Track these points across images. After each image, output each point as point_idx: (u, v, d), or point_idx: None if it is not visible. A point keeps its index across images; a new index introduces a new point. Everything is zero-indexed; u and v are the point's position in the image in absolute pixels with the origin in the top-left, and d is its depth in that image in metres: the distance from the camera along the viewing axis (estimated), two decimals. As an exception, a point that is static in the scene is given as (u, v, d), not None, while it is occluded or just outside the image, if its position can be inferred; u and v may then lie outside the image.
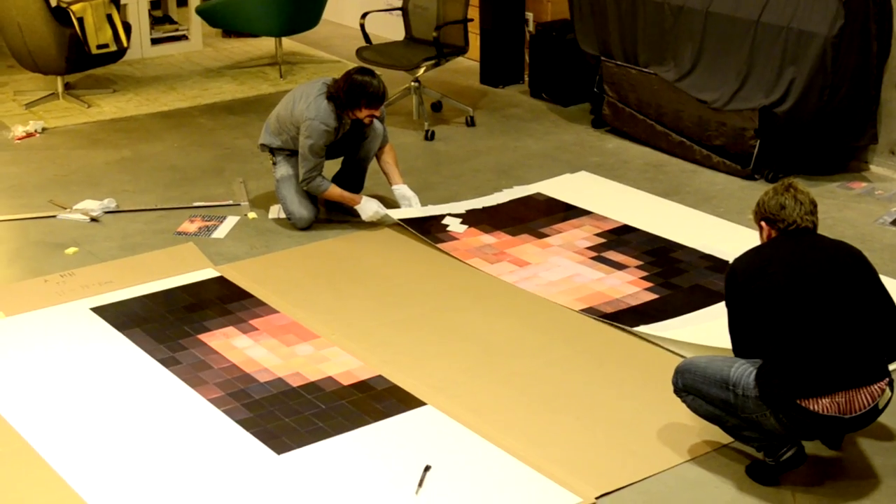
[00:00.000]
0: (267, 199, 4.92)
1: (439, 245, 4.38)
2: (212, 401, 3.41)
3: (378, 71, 4.73)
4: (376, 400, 3.41)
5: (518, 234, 4.52)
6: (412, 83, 5.94)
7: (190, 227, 4.72)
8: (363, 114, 4.47)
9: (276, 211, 4.84)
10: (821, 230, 3.04)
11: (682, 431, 3.19)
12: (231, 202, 4.95)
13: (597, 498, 2.96)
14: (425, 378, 3.53)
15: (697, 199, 4.94)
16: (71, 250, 4.49)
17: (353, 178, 4.79)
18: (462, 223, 4.58)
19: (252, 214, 4.80)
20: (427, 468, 3.06)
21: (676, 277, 4.12)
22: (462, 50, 5.90)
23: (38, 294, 4.10)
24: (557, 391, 3.45)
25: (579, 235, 4.51)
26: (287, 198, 4.66)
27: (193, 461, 3.13)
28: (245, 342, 3.76)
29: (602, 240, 4.46)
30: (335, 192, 4.61)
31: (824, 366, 2.81)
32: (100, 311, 3.98)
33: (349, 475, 3.06)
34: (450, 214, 4.65)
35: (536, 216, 4.72)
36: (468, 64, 6.81)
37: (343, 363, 3.62)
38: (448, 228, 4.52)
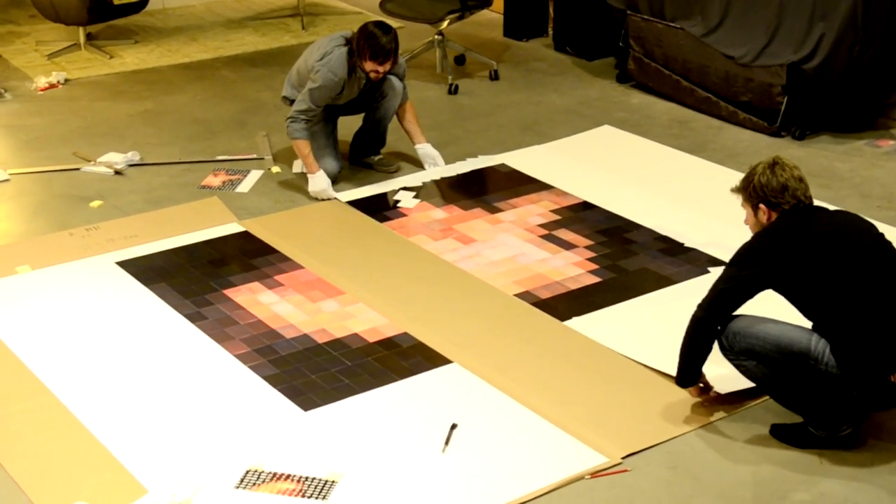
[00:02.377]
0: (290, 153, 4.88)
1: (385, 224, 4.21)
2: (238, 356, 3.41)
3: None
4: (402, 357, 3.40)
5: (470, 209, 4.32)
6: (436, 36, 5.86)
7: (214, 181, 4.70)
8: (368, 67, 4.34)
9: (299, 165, 4.80)
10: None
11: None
12: (255, 156, 4.92)
13: (623, 458, 2.95)
14: (451, 336, 3.51)
15: (723, 155, 4.89)
16: (95, 203, 4.48)
17: (372, 137, 4.74)
18: (415, 197, 4.43)
19: (276, 168, 4.77)
20: (453, 426, 3.06)
21: (624, 259, 3.92)
22: (486, 3, 5.81)
23: (63, 248, 4.09)
24: (582, 350, 3.43)
25: (534, 212, 4.30)
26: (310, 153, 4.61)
27: (220, 417, 3.13)
28: (271, 298, 3.76)
29: (557, 217, 4.25)
30: (303, 149, 4.42)
31: None
32: (125, 265, 3.98)
33: (375, 433, 3.06)
34: (404, 189, 4.49)
35: (494, 189, 4.56)
36: (492, 17, 6.71)
37: (368, 320, 3.61)
38: (399, 204, 4.37)
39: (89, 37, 6.40)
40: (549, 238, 4.11)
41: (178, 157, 4.93)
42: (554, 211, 4.33)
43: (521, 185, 4.58)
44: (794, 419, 3.01)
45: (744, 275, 2.88)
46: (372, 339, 3.51)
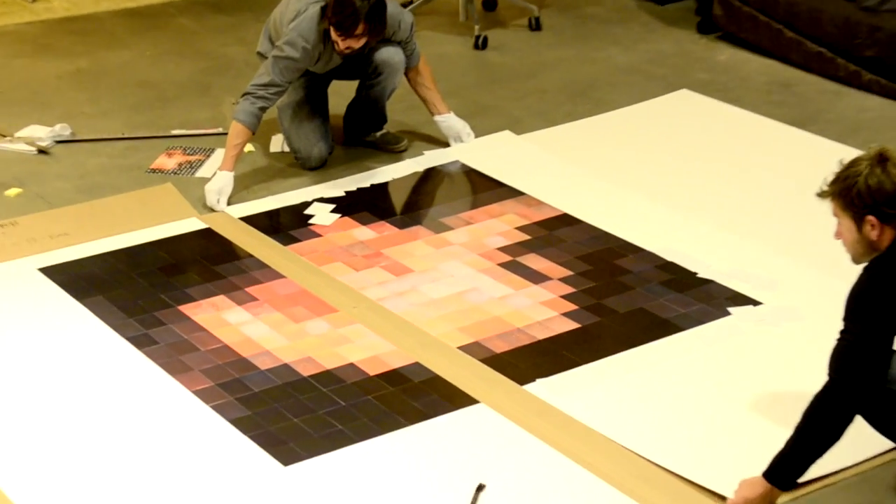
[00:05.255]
0: (268, 126, 4.88)
1: (290, 247, 4.11)
2: (197, 393, 3.42)
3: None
4: (412, 395, 3.40)
5: (409, 226, 4.25)
6: (458, -28, 5.89)
7: (167, 162, 4.71)
8: (334, 38, 4.27)
9: (279, 142, 4.82)
10: None
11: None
12: (221, 130, 4.93)
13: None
14: (476, 366, 3.51)
15: (841, 129, 4.87)
16: (12, 192, 4.50)
17: (369, 114, 4.76)
18: (334, 211, 4.34)
19: (248, 147, 4.78)
20: (480, 488, 3.05)
21: (614, 297, 3.80)
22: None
23: (-30, 249, 4.12)
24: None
25: (495, 229, 4.20)
26: (291, 131, 4.63)
27: (173, 474, 3.13)
28: (241, 316, 3.76)
29: (525, 236, 4.14)
30: (237, 136, 4.36)
31: None
32: (51, 272, 3.99)
33: (376, 495, 3.05)
34: (319, 200, 4.41)
35: (443, 199, 4.51)
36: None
37: (369, 346, 3.61)
38: (310, 221, 4.29)
39: (5, -26, 6.45)
40: (512, 267, 4.00)
41: (121, 132, 4.95)
42: (521, 228, 4.22)
43: (480, 191, 4.51)
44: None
45: (876, 327, 2.77)
46: (373, 371, 3.50)
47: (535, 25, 5.93)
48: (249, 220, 4.31)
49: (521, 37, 5.87)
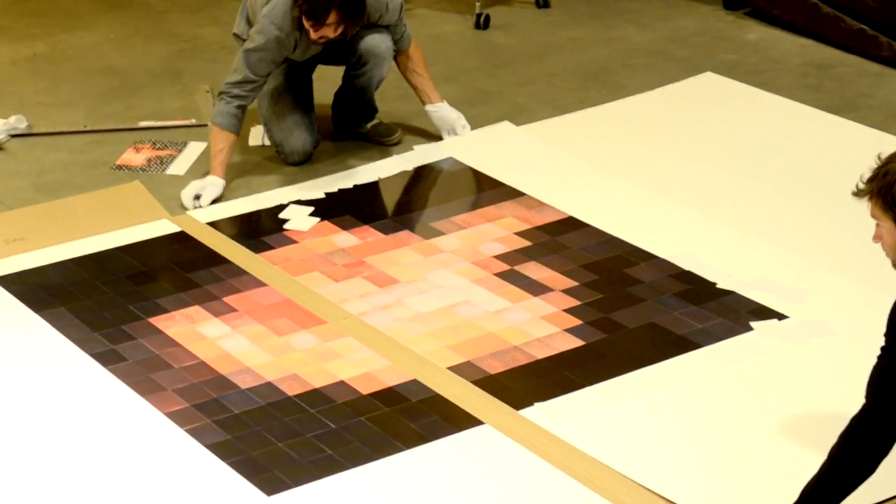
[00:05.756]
0: (247, 116, 4.89)
1: (262, 254, 4.10)
2: (171, 415, 3.41)
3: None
4: (411, 416, 3.40)
5: (395, 232, 4.27)
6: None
7: (135, 158, 4.71)
8: (307, 26, 4.26)
9: (259, 135, 4.82)
10: None
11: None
12: (194, 122, 4.94)
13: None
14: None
15: (883, 116, 4.88)
16: (-37, 192, 4.51)
17: (356, 106, 4.77)
18: (312, 214, 4.34)
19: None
20: (486, 518, 3.05)
21: (623, 310, 3.80)
22: None
23: (-83, 257, 4.12)
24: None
25: (491, 234, 4.20)
26: (273, 123, 4.63)
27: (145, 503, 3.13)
28: (218, 329, 3.76)
29: (524, 242, 4.15)
30: (219, 142, 4.38)
31: None
32: (5, 281, 3.99)
33: (372, 527, 3.05)
34: (296, 202, 4.40)
35: (434, 200, 4.52)
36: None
37: (361, 361, 3.61)
38: (286, 226, 4.28)
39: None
40: (509, 277, 4.00)
41: (84, 124, 4.95)
42: (521, 233, 4.23)
43: (475, 192, 4.51)
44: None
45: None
46: (366, 389, 3.50)
47: (543, 2, 5.93)
48: (217, 224, 4.30)
49: (528, 15, 5.86)
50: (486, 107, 5.01)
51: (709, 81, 5.20)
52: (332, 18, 4.20)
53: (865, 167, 2.86)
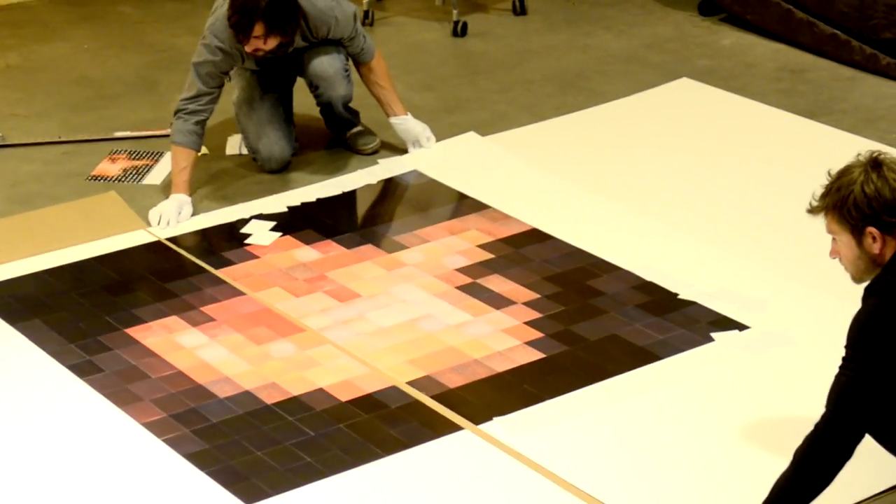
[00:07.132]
0: (223, 126, 4.89)
1: (221, 270, 4.07)
2: (148, 426, 3.41)
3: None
4: (390, 423, 3.40)
5: (357, 246, 4.22)
6: (432, -49, 5.90)
7: (111, 168, 4.71)
8: (237, 39, 4.25)
9: (236, 144, 4.82)
10: None
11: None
12: (169, 131, 4.91)
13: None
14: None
15: (856, 119, 4.89)
16: (-62, 204, 4.50)
17: (332, 120, 4.77)
18: (274, 229, 4.31)
19: (203, 150, 4.77)
20: (466, 524, 3.05)
21: (584, 322, 3.78)
22: None
23: None
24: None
25: (454, 248, 4.18)
26: (250, 129, 4.63)
27: (124, 515, 3.12)
28: (196, 339, 3.76)
29: (487, 255, 4.13)
30: (181, 161, 4.36)
31: None
32: (-18, 293, 3.99)
33: (352, 535, 3.05)
34: (258, 217, 4.37)
35: (398, 214, 4.53)
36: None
37: (340, 369, 3.62)
38: (247, 241, 4.26)
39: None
40: (472, 290, 3.98)
41: (58, 135, 4.95)
42: (484, 245, 4.21)
43: (440, 205, 4.49)
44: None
45: (881, 360, 2.72)
46: (345, 396, 3.51)
47: (520, 9, 5.94)
48: (178, 240, 4.27)
49: (505, 22, 5.87)
50: (463, 114, 5.01)
51: (684, 87, 5.22)
52: (258, 31, 4.18)
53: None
